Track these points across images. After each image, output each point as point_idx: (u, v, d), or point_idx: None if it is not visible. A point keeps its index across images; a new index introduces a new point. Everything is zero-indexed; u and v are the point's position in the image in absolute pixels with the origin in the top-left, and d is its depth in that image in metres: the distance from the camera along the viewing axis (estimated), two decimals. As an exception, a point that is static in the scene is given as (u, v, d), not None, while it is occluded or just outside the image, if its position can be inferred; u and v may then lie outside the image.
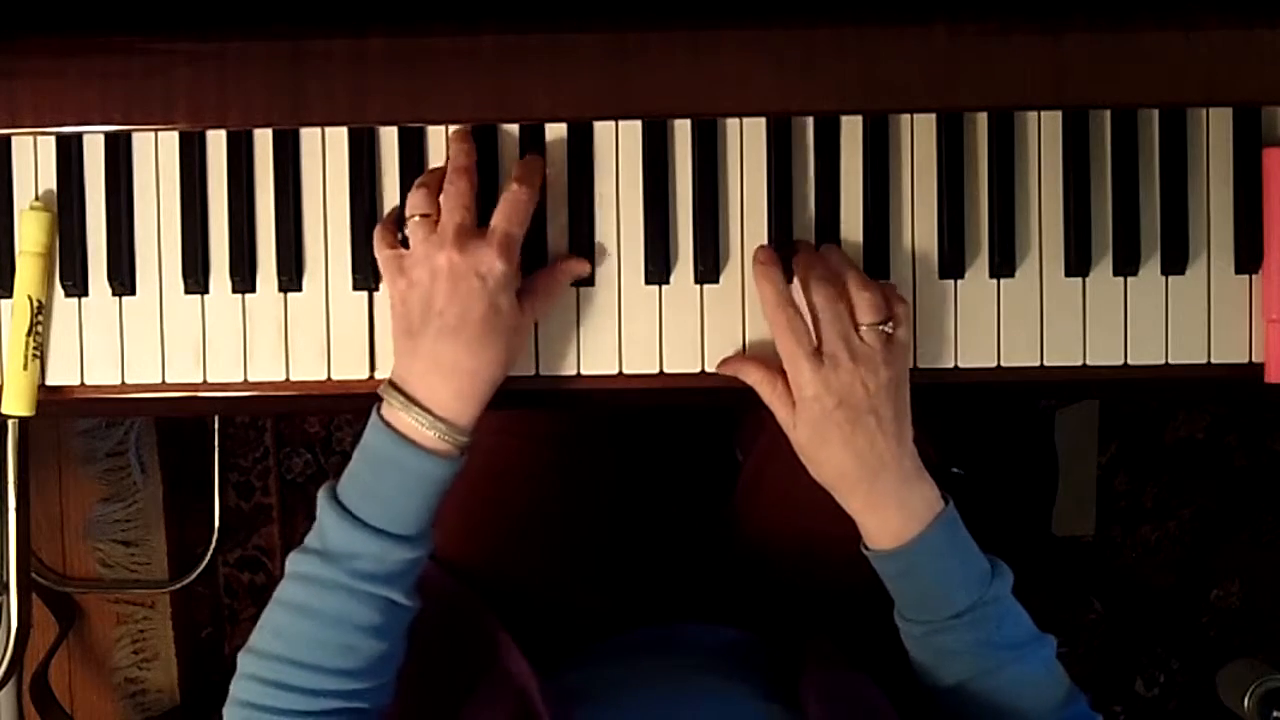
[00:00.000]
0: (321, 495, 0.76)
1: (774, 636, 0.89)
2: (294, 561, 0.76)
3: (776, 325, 0.78)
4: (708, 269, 0.83)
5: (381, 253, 0.80)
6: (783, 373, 0.78)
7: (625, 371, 0.84)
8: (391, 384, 0.76)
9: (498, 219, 0.77)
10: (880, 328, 0.76)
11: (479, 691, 0.81)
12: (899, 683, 0.81)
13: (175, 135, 0.84)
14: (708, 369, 0.83)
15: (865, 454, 0.75)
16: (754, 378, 0.79)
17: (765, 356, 0.81)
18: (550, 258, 0.83)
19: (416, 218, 0.77)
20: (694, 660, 0.85)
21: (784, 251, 0.82)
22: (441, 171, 0.80)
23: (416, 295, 0.76)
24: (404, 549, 0.75)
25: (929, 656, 0.79)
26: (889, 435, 0.75)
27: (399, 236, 0.81)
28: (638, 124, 0.83)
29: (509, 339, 0.77)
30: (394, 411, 0.75)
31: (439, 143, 0.84)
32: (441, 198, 0.78)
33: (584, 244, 0.83)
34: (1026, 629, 0.79)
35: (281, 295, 0.84)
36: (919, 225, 0.83)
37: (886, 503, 0.76)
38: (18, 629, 1.09)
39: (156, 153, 0.84)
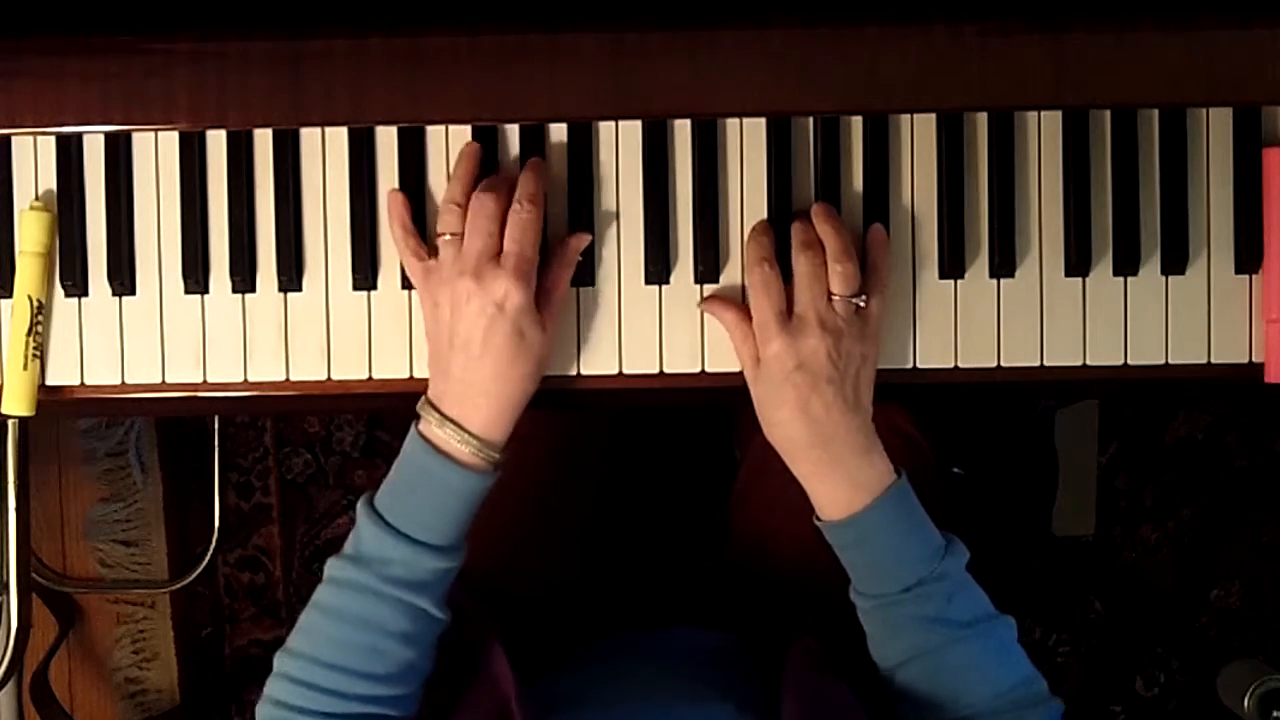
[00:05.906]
0: (360, 503, 0.78)
1: (764, 641, 0.89)
2: (330, 566, 0.78)
3: (750, 281, 0.79)
4: (708, 269, 0.83)
5: (410, 263, 0.81)
6: None
7: (625, 371, 0.84)
8: (428, 401, 0.78)
9: (509, 243, 0.77)
10: (852, 300, 0.77)
11: (466, 697, 0.81)
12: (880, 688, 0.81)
13: (175, 135, 0.84)
14: (707, 369, 0.83)
15: (818, 420, 0.76)
16: (729, 320, 0.81)
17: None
18: (549, 256, 0.83)
19: (447, 236, 0.78)
20: (677, 666, 0.85)
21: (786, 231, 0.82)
22: (468, 182, 0.80)
23: (443, 321, 0.77)
24: (434, 558, 0.76)
25: (880, 631, 0.79)
26: (844, 405, 0.76)
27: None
28: (638, 124, 0.83)
29: (535, 355, 0.78)
30: (430, 427, 0.77)
31: (439, 143, 0.84)
32: (469, 215, 0.78)
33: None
34: (981, 607, 0.78)
35: (281, 295, 0.84)
36: (919, 225, 0.83)
37: (835, 472, 0.77)
38: (18, 629, 1.09)
39: (156, 153, 0.84)
